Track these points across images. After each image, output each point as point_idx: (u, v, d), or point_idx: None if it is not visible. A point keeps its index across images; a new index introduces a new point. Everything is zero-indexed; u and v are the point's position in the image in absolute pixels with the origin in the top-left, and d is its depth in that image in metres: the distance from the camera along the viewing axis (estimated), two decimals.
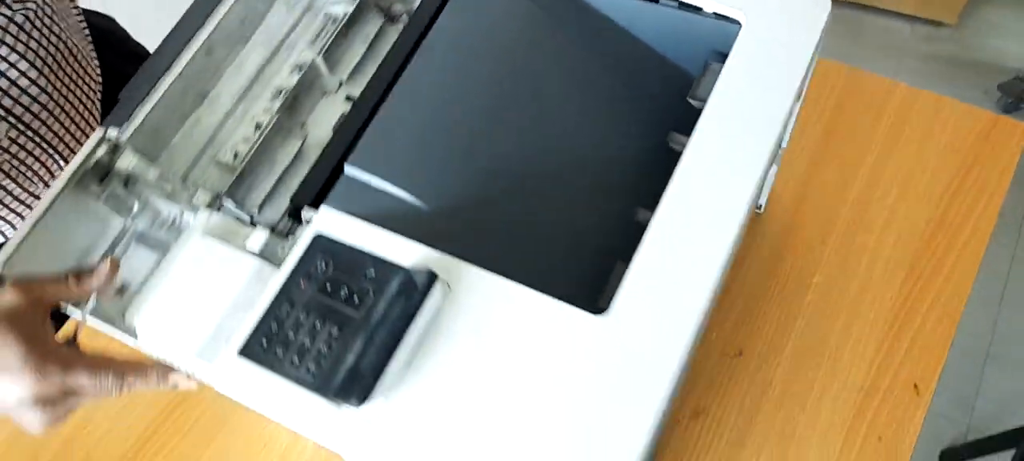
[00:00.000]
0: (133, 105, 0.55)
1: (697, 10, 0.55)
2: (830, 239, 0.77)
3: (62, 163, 0.74)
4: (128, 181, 0.55)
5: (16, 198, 0.72)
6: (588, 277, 0.51)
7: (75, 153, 0.53)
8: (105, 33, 0.84)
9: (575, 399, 0.43)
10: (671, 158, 0.48)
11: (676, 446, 0.70)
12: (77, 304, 0.52)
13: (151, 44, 0.61)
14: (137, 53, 0.92)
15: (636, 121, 0.59)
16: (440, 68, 0.56)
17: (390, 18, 0.64)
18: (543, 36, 0.58)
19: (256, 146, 0.56)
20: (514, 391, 0.43)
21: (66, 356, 0.48)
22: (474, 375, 0.44)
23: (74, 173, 0.52)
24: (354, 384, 0.42)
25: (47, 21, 0.71)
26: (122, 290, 0.55)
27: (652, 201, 0.47)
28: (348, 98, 0.61)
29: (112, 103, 0.56)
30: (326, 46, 0.60)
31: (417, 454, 0.42)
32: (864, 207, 0.78)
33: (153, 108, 0.55)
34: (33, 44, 0.69)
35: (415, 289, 0.44)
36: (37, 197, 0.74)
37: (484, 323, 0.45)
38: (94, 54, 0.81)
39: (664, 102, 0.59)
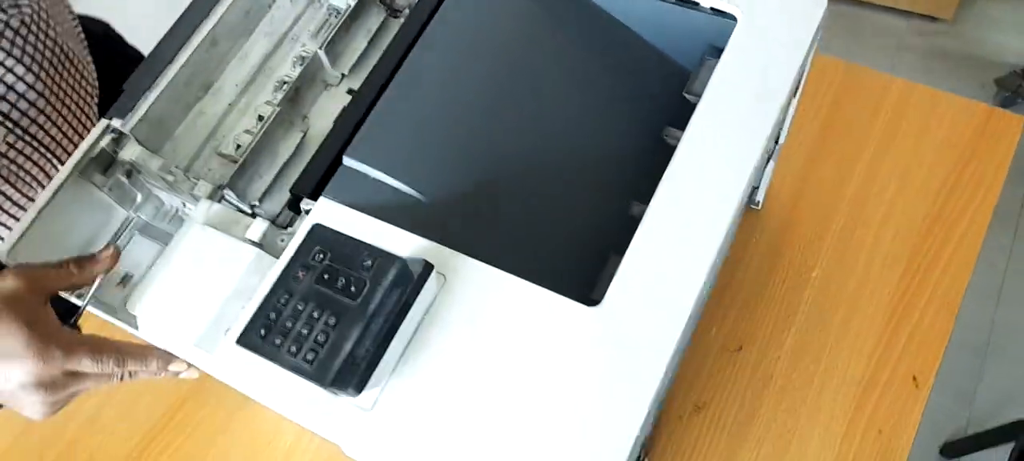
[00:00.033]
0: (137, 96, 0.56)
1: (694, 5, 0.56)
2: (828, 234, 0.78)
3: (60, 167, 0.75)
4: (131, 172, 0.56)
5: (15, 203, 0.72)
6: (582, 269, 0.52)
7: (71, 155, 0.54)
8: (100, 38, 0.85)
9: (568, 389, 0.43)
10: (666, 152, 0.49)
11: (678, 440, 0.71)
12: (79, 292, 0.53)
13: (147, 49, 0.62)
14: (133, 57, 0.92)
15: (632, 115, 0.59)
16: (438, 62, 0.56)
17: (392, 12, 0.65)
18: (540, 30, 0.59)
19: (258, 138, 0.57)
20: (508, 380, 0.44)
21: (68, 339, 0.49)
22: (469, 365, 0.45)
23: (78, 163, 0.53)
24: (351, 373, 0.42)
25: (42, 25, 0.71)
26: (124, 280, 0.56)
27: (646, 195, 0.48)
28: (350, 91, 0.62)
29: (108, 108, 0.56)
30: (329, 39, 0.61)
31: (413, 442, 0.43)
32: (862, 202, 0.79)
33: (157, 99, 0.56)
34: (29, 49, 0.69)
35: (411, 279, 0.45)
36: (32, 201, 0.75)
37: (479, 314, 0.46)
38: (90, 58, 0.81)
39: (660, 96, 0.59)
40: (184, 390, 0.78)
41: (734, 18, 0.53)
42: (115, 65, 0.83)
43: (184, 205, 0.57)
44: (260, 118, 0.59)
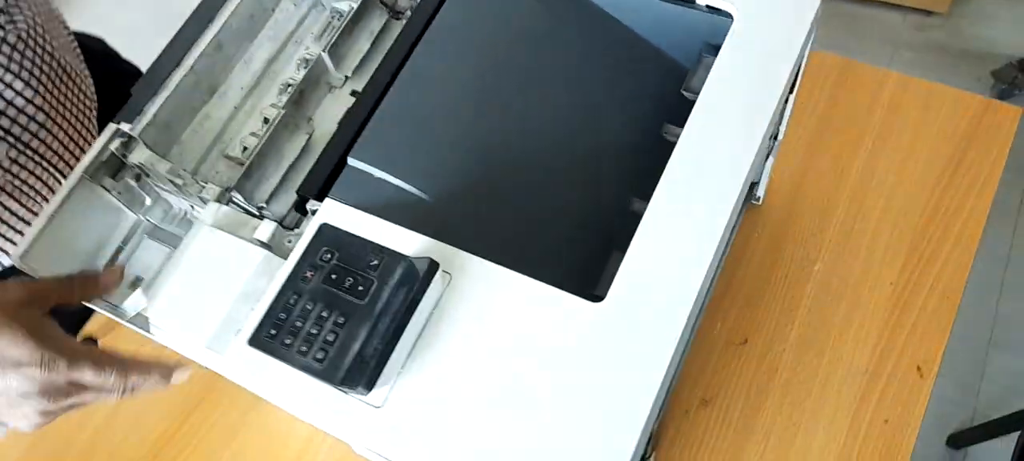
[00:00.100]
0: (144, 100, 0.56)
1: (690, 3, 0.56)
2: (829, 228, 0.78)
3: (61, 180, 0.75)
4: (140, 175, 0.57)
5: (18, 217, 0.73)
6: (585, 265, 0.53)
7: (73, 168, 0.54)
8: (97, 54, 0.86)
9: (575, 383, 0.44)
10: (665, 149, 0.49)
11: (686, 434, 0.71)
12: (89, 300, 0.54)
13: (141, 63, 0.62)
14: (129, 72, 0.93)
15: (631, 113, 0.60)
16: (440, 62, 0.57)
17: (394, 13, 0.66)
18: (541, 30, 0.59)
19: (264, 140, 0.58)
20: (516, 376, 0.45)
21: (72, 349, 0.50)
22: (477, 361, 0.45)
23: (88, 167, 0.54)
24: (361, 371, 0.43)
25: (39, 40, 0.72)
26: (135, 283, 0.56)
27: (647, 191, 0.48)
28: (353, 93, 0.62)
29: (106, 121, 0.57)
30: (332, 41, 0.62)
31: (424, 438, 0.44)
32: (861, 196, 0.79)
33: (164, 103, 0.57)
34: (27, 64, 0.69)
35: (417, 278, 0.45)
36: (37, 215, 0.75)
37: (485, 310, 0.46)
38: (87, 72, 0.82)
39: (659, 94, 0.60)
40: (197, 392, 0.78)
41: (730, 16, 0.54)
42: (112, 80, 0.84)
43: (192, 208, 0.57)
44: (266, 121, 0.60)
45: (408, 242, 0.49)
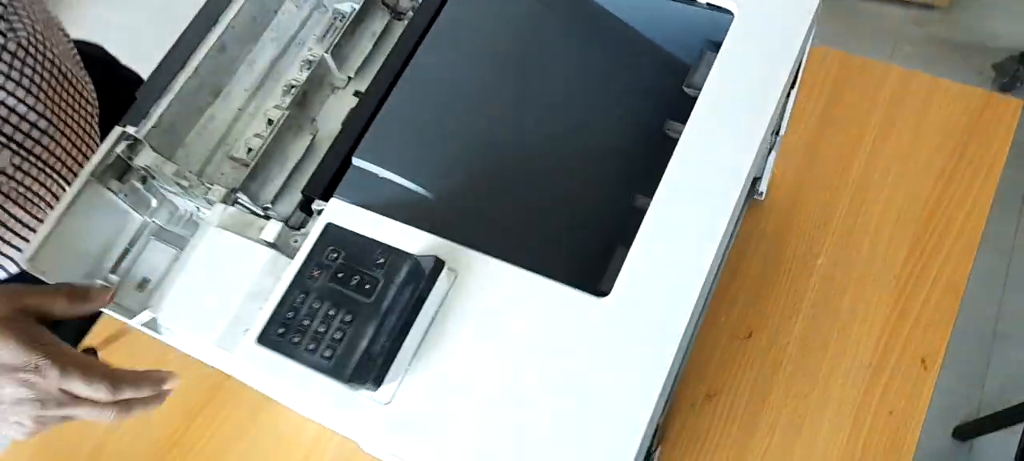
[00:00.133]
0: (149, 103, 0.57)
1: (691, 1, 0.57)
2: (832, 221, 0.79)
3: (66, 187, 0.76)
4: (146, 177, 0.57)
5: (24, 224, 0.73)
6: (590, 261, 0.53)
7: (77, 175, 0.55)
8: (95, 60, 0.86)
9: (581, 378, 0.44)
10: (668, 145, 0.50)
11: (691, 428, 0.72)
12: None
13: (140, 68, 0.63)
14: (128, 77, 0.93)
15: (634, 110, 0.60)
16: (442, 62, 0.58)
17: (396, 14, 0.66)
18: (542, 28, 0.60)
19: (268, 141, 0.58)
20: (522, 371, 0.45)
21: (63, 357, 0.50)
22: (483, 357, 0.46)
23: (94, 169, 0.54)
24: (368, 368, 0.44)
25: (40, 47, 0.72)
26: (142, 284, 0.57)
27: (650, 187, 0.49)
28: (356, 93, 0.63)
29: (107, 127, 0.57)
30: (334, 43, 0.62)
31: (432, 433, 0.44)
32: (864, 189, 0.80)
33: (169, 105, 0.57)
34: (28, 71, 0.70)
35: (423, 275, 0.46)
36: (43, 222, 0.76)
37: (491, 307, 0.47)
38: (88, 78, 0.82)
39: (661, 91, 0.60)
40: (204, 393, 0.79)
41: (730, 13, 0.54)
42: (112, 86, 0.85)
43: (198, 209, 0.58)
44: (269, 122, 0.60)
45: (413, 240, 0.49)
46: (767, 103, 0.50)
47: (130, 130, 0.56)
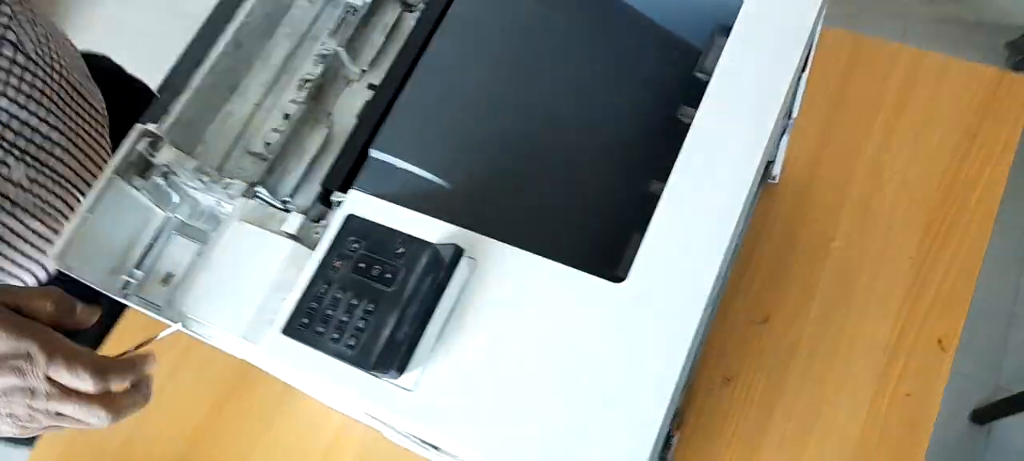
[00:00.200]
0: (169, 100, 0.58)
1: None
2: (846, 203, 0.79)
3: (80, 198, 0.76)
4: (167, 174, 0.58)
5: (40, 235, 0.74)
6: (606, 247, 0.54)
7: (90, 186, 0.55)
8: (101, 71, 0.87)
9: (600, 363, 0.45)
10: (681, 130, 0.50)
11: (709, 412, 0.72)
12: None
13: (152, 68, 0.63)
14: (135, 87, 0.94)
15: (647, 96, 0.60)
16: (456, 52, 0.58)
17: (407, 6, 0.66)
18: (554, 16, 0.60)
19: (286, 136, 0.59)
20: (542, 357, 0.46)
21: (51, 344, 0.50)
22: (503, 343, 0.46)
23: (118, 166, 0.55)
24: (392, 356, 0.44)
25: (48, 60, 0.73)
26: (166, 279, 0.58)
27: (664, 172, 0.49)
28: (370, 86, 0.63)
29: (117, 138, 0.58)
30: (348, 36, 0.63)
31: (455, 418, 0.45)
32: (877, 171, 0.80)
33: (188, 102, 0.58)
34: (39, 84, 0.71)
35: (443, 264, 0.46)
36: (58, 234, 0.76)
37: (510, 294, 0.47)
38: (97, 89, 0.83)
39: (672, 76, 0.60)
40: (231, 384, 0.80)
41: None
42: (119, 96, 0.86)
43: (218, 204, 0.59)
44: (286, 116, 0.61)
45: (432, 229, 0.50)
46: (779, 86, 0.50)
47: (151, 127, 0.57)
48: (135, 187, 0.57)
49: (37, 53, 0.72)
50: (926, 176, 0.78)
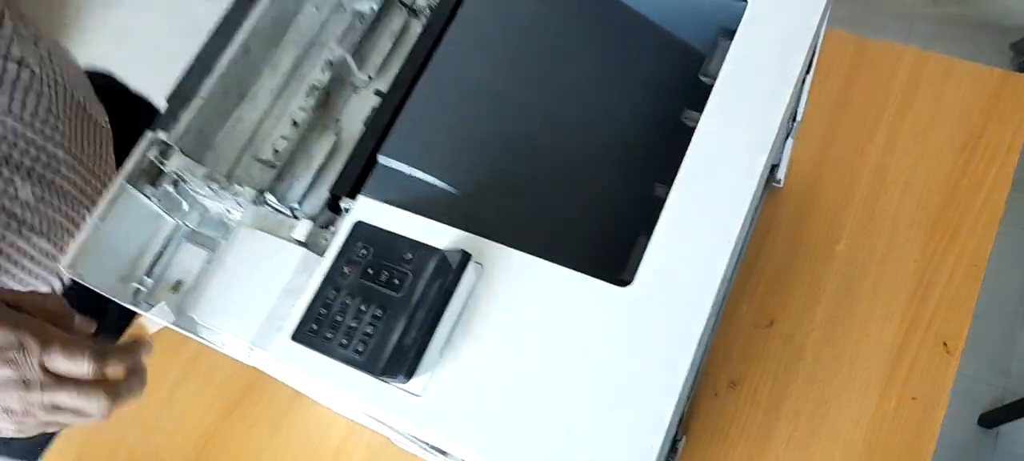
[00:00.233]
0: (178, 108, 0.58)
1: None
2: (851, 206, 0.79)
3: (86, 214, 0.77)
4: (177, 181, 0.59)
5: (46, 253, 0.75)
6: (612, 251, 0.54)
7: (96, 203, 0.56)
8: (104, 88, 0.87)
9: (606, 366, 0.45)
10: (685, 134, 0.50)
11: (715, 417, 0.72)
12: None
13: (160, 76, 0.63)
14: (138, 103, 0.94)
15: (651, 100, 0.61)
16: (462, 59, 0.59)
17: (414, 13, 0.67)
18: (559, 22, 0.61)
19: (295, 143, 0.60)
20: (549, 361, 0.46)
21: (45, 333, 0.50)
22: (511, 347, 0.47)
23: (129, 174, 0.56)
24: (400, 361, 0.45)
25: (52, 78, 0.73)
26: (176, 286, 0.58)
27: (669, 176, 0.49)
28: (377, 92, 0.64)
29: (121, 154, 0.58)
30: (355, 43, 0.63)
31: (464, 422, 0.45)
32: (882, 173, 0.80)
33: (197, 110, 0.59)
34: (44, 103, 0.71)
35: (450, 269, 0.47)
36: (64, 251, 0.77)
37: (517, 298, 0.48)
38: (101, 106, 0.83)
39: (677, 80, 0.61)
40: (239, 391, 0.81)
41: (744, 0, 0.55)
42: (122, 112, 0.86)
43: (228, 211, 0.59)
44: (294, 123, 0.62)
45: (440, 235, 0.50)
46: (783, 89, 0.51)
47: (161, 135, 0.57)
48: (145, 195, 0.58)
49: (41, 72, 0.72)
50: (931, 178, 0.79)
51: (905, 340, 0.72)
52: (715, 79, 0.52)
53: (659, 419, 0.44)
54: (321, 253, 0.52)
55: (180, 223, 0.60)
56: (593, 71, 0.61)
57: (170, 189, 0.59)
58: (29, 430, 0.53)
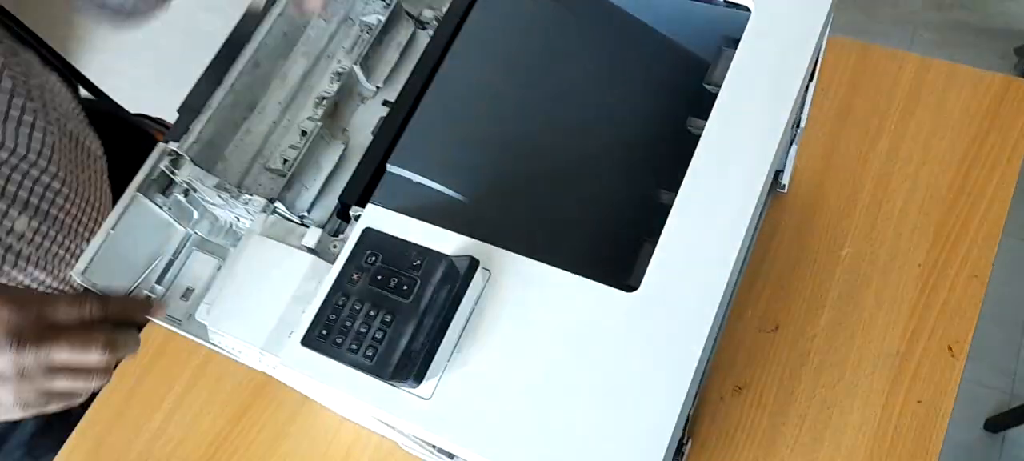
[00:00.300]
0: (190, 119, 0.59)
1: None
2: (855, 211, 0.79)
3: (82, 244, 0.78)
4: (188, 191, 0.59)
5: (46, 285, 0.75)
6: (618, 257, 0.55)
7: (93, 234, 0.57)
8: (101, 115, 0.88)
9: (613, 371, 0.46)
10: (690, 141, 0.51)
11: (720, 421, 0.72)
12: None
13: (168, 91, 0.64)
14: (135, 128, 0.95)
15: (656, 108, 0.62)
16: (469, 68, 0.59)
17: (420, 24, 0.68)
18: (564, 31, 0.61)
19: (303, 152, 0.60)
20: (556, 365, 0.46)
21: (45, 295, 0.51)
22: (518, 352, 0.47)
23: (140, 184, 0.57)
24: (409, 366, 0.45)
25: (44, 110, 0.74)
26: (186, 293, 0.59)
27: (674, 183, 0.50)
28: (385, 102, 0.65)
29: (118, 178, 0.59)
30: (362, 54, 0.64)
31: (472, 426, 0.46)
32: (886, 179, 0.80)
33: (208, 121, 0.60)
34: (37, 135, 0.72)
35: (458, 275, 0.47)
36: (63, 281, 0.78)
37: (524, 304, 0.48)
38: (94, 135, 0.84)
39: (681, 88, 0.62)
40: (248, 396, 0.81)
41: (748, 9, 0.56)
42: (119, 138, 0.87)
43: (238, 220, 0.60)
44: (303, 133, 0.62)
45: (447, 242, 0.51)
46: (786, 97, 0.51)
47: (172, 146, 0.58)
48: (157, 204, 0.58)
49: (33, 105, 0.73)
50: (934, 183, 0.79)
51: (910, 345, 0.73)
52: (719, 87, 0.53)
53: (665, 423, 0.44)
54: (330, 260, 0.53)
55: (190, 231, 0.61)
56: (599, 79, 0.61)
57: (181, 198, 0.59)
58: (30, 400, 0.53)
